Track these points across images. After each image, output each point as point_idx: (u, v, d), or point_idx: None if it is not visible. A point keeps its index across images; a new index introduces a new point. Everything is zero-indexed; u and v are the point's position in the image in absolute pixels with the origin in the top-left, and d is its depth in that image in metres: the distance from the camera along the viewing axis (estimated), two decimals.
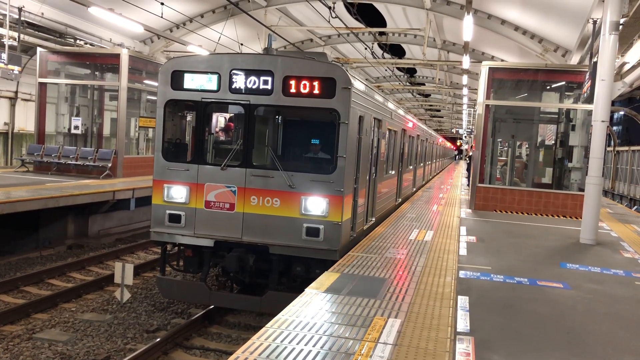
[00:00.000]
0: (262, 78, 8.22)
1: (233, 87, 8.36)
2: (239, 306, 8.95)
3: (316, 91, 8.01)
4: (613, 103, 11.24)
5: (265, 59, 8.34)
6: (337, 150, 8.07)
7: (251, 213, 8.27)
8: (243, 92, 8.33)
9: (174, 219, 8.55)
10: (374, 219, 10.98)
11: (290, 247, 8.15)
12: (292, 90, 8.09)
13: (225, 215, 8.36)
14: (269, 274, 8.48)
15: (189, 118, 9.43)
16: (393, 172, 13.46)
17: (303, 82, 8.03)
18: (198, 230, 8.49)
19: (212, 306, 9.09)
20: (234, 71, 8.34)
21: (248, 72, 8.30)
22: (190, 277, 9.92)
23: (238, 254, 8.27)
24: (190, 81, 8.53)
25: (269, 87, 8.20)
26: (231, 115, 9.42)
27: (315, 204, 8.07)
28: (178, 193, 8.55)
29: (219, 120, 9.49)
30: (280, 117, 9.06)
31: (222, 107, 8.95)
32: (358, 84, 8.69)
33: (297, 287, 7.98)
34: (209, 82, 8.44)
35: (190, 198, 8.50)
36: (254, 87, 8.26)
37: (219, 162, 8.48)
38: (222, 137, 9.55)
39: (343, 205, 8.08)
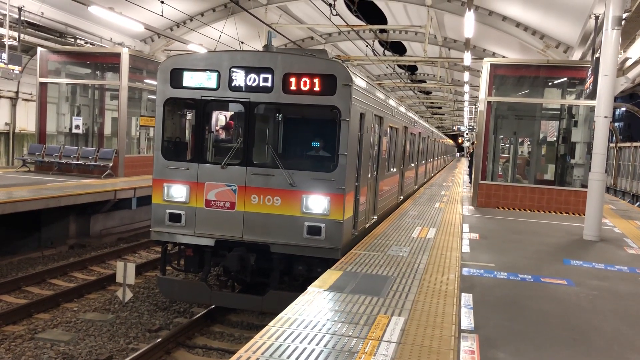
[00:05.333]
0: (262, 75, 8.14)
1: (233, 84, 8.30)
2: (240, 306, 8.92)
3: (317, 88, 7.94)
4: (615, 99, 11.16)
5: (265, 56, 8.28)
6: (338, 147, 8.00)
7: (252, 212, 8.22)
8: (243, 89, 8.27)
9: (174, 218, 8.50)
10: (375, 217, 10.93)
11: (292, 246, 8.09)
12: (293, 87, 8.01)
13: (226, 214, 8.31)
14: (270, 273, 8.44)
15: (188, 116, 9.38)
16: (395, 170, 13.40)
17: (303, 79, 7.96)
18: (198, 230, 8.44)
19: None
20: (233, 69, 8.28)
21: (248, 70, 8.24)
22: (191, 276, 9.88)
23: (239, 253, 8.23)
24: (190, 79, 8.46)
25: (269, 84, 8.12)
26: (231, 113, 9.37)
27: (317, 203, 8.02)
28: (178, 192, 8.50)
29: (219, 118, 9.43)
30: (280, 115, 9.00)
31: (222, 105, 8.90)
32: (359, 81, 8.62)
33: (299, 286, 7.94)
34: (208, 80, 8.37)
35: (190, 197, 8.45)
36: (254, 84, 8.19)
37: (219, 161, 8.42)
38: (222, 136, 9.50)
39: (345, 203, 8.02)
